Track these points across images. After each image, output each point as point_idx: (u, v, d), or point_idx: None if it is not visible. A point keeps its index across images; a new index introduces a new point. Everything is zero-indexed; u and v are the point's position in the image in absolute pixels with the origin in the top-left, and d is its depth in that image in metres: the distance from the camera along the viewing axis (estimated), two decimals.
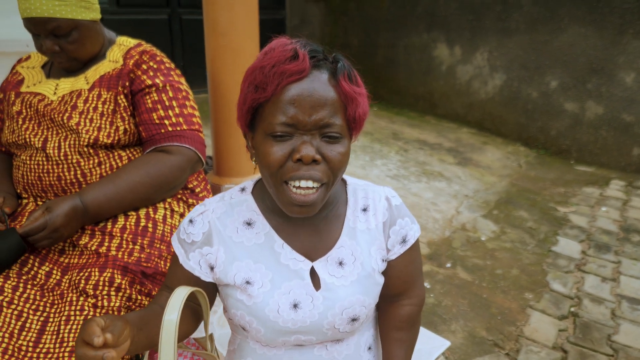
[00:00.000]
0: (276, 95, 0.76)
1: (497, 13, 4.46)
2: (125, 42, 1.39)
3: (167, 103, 1.29)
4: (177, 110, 1.30)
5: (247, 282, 0.87)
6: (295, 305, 0.86)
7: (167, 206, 1.33)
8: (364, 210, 0.94)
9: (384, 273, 0.97)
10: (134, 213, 1.27)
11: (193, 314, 0.96)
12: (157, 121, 1.28)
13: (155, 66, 1.31)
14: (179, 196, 1.38)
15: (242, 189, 0.95)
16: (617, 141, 4.02)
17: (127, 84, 1.28)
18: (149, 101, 1.28)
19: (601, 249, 2.78)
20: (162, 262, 1.23)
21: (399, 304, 1.01)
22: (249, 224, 0.90)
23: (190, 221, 0.90)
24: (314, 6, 6.14)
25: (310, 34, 6.24)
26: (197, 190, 1.45)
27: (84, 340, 0.65)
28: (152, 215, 1.28)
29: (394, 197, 0.97)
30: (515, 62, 4.45)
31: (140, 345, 0.80)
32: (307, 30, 6.27)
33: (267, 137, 0.78)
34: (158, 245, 1.24)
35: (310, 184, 0.78)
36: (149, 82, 1.28)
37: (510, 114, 4.61)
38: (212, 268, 0.90)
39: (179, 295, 0.79)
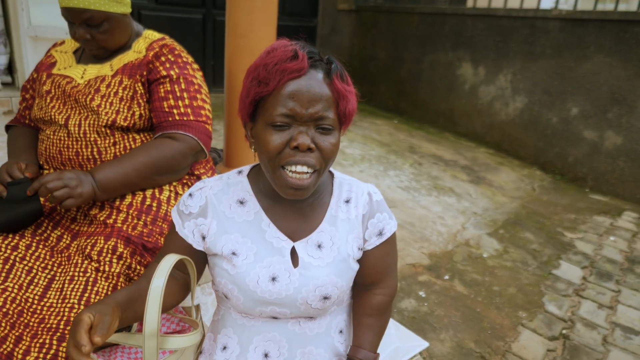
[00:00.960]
0: (277, 90, 0.87)
1: (524, 36, 4.49)
2: (150, 35, 1.52)
3: (178, 94, 1.41)
4: (187, 101, 1.42)
5: (233, 253, 0.97)
6: (273, 279, 0.96)
7: (172, 189, 1.44)
8: (347, 201, 1.05)
9: (359, 262, 1.06)
10: (141, 193, 1.38)
11: (182, 284, 1.06)
12: (166, 109, 1.39)
13: (172, 59, 1.43)
14: (185, 181, 1.49)
15: (239, 172, 1.06)
16: (634, 173, 3.98)
17: (144, 73, 1.40)
18: (162, 90, 1.40)
19: (602, 277, 2.78)
20: (162, 239, 1.34)
21: (372, 292, 1.11)
22: (241, 202, 1.01)
23: (190, 195, 1.01)
24: (345, 17, 6.27)
25: (339, 43, 6.37)
26: (203, 177, 1.56)
27: (73, 343, 0.75)
28: (158, 196, 1.40)
29: (376, 194, 1.07)
30: (538, 86, 4.46)
31: (127, 321, 0.91)
32: (337, 39, 6.40)
33: (268, 127, 0.89)
34: (160, 224, 1.35)
35: (305, 169, 0.89)
36: (164, 73, 1.41)
37: (529, 137, 4.62)
38: (203, 238, 1.00)
39: (167, 262, 0.88)
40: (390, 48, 5.69)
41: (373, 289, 1.11)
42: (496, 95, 4.80)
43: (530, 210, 3.69)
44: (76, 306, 1.11)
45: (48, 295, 1.15)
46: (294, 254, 0.99)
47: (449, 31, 5.09)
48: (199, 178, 1.54)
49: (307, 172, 0.89)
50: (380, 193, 1.09)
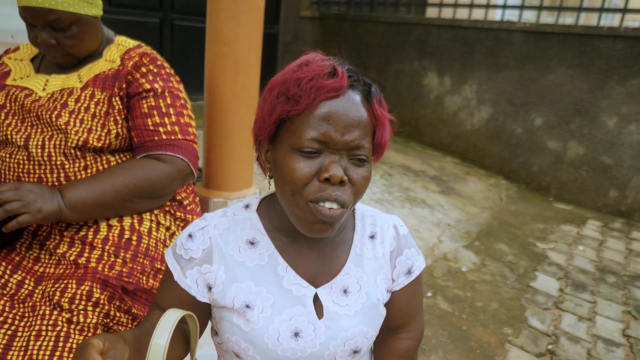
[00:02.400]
0: (310, 110, 0.74)
1: (489, 47, 4.55)
2: (124, 42, 1.33)
3: (164, 110, 1.23)
4: (173, 118, 1.24)
5: (247, 306, 0.82)
6: (296, 334, 0.82)
7: (153, 218, 1.26)
8: (372, 237, 0.92)
9: (385, 304, 0.93)
10: (117, 224, 1.19)
11: (183, 339, 0.90)
12: (151, 127, 1.22)
13: (155, 70, 1.26)
14: (167, 208, 1.31)
15: (247, 206, 0.91)
16: (595, 182, 4.10)
17: (123, 85, 1.22)
18: (145, 106, 1.22)
19: (578, 288, 2.80)
20: (144, 278, 1.15)
21: (397, 337, 0.98)
22: (252, 243, 0.85)
23: (190, 236, 0.84)
24: (308, 24, 6.17)
25: (301, 51, 6.23)
26: (185, 202, 1.39)
27: None
28: (137, 228, 1.21)
29: (402, 227, 0.95)
30: (502, 96, 4.53)
31: None
32: (299, 47, 6.28)
33: (294, 152, 0.75)
34: (141, 260, 1.17)
35: (335, 206, 0.75)
36: (148, 86, 1.23)
37: (494, 147, 4.68)
38: (209, 288, 0.84)
39: (170, 319, 0.73)
40: (355, 57, 5.64)
41: (399, 333, 0.98)
42: (462, 106, 4.84)
43: (500, 220, 3.71)
44: None
45: (9, 357, 0.95)
46: (316, 302, 0.85)
47: (415, 41, 5.09)
48: (181, 204, 1.36)
49: (338, 210, 0.75)
50: (405, 226, 0.97)
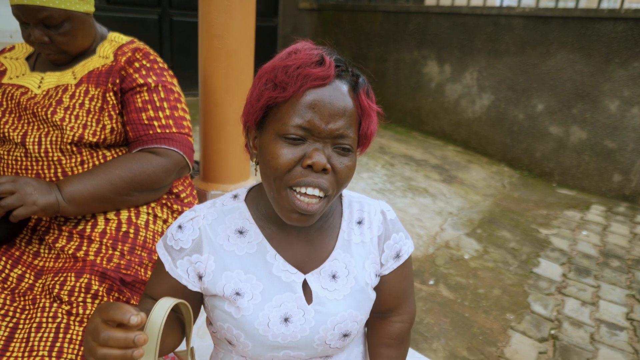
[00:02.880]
0: (296, 97, 0.74)
1: (488, 34, 4.52)
2: (117, 38, 1.34)
3: (157, 104, 1.24)
4: (167, 112, 1.25)
5: (237, 294, 0.83)
6: (286, 319, 0.83)
7: (150, 211, 1.27)
8: (359, 223, 0.93)
9: (375, 288, 0.95)
10: (115, 217, 1.21)
11: (180, 327, 0.91)
12: (145, 122, 1.23)
13: (148, 65, 1.27)
14: (163, 201, 1.33)
15: (235, 196, 0.92)
16: (599, 167, 4.08)
17: (117, 81, 1.23)
18: (139, 100, 1.23)
19: (581, 273, 2.80)
20: (142, 270, 1.17)
21: (389, 320, 0.99)
22: (240, 232, 0.87)
23: (179, 227, 0.86)
24: (307, 16, 6.15)
25: None
26: (182, 195, 1.40)
27: (108, 321, 0.60)
28: (134, 221, 1.23)
29: (389, 211, 0.96)
30: (503, 83, 4.50)
31: None
32: (299, 39, 6.25)
33: (278, 138, 0.76)
34: (139, 252, 1.19)
35: (316, 192, 0.76)
36: (141, 80, 1.24)
37: (496, 134, 4.66)
38: (200, 277, 0.85)
39: (162, 307, 0.74)
40: (354, 47, 5.62)
41: (390, 317, 0.99)
42: (462, 93, 4.82)
43: (503, 207, 3.70)
44: (46, 359, 0.94)
45: (11, 349, 0.97)
46: (305, 288, 0.86)
47: (414, 29, 5.06)
48: (178, 197, 1.38)
49: (318, 197, 0.77)
50: (393, 211, 0.98)
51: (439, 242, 3.03)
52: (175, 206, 1.34)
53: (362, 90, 0.79)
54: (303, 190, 0.75)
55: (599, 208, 3.84)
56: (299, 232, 0.88)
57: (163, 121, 1.24)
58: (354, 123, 0.78)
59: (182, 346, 0.98)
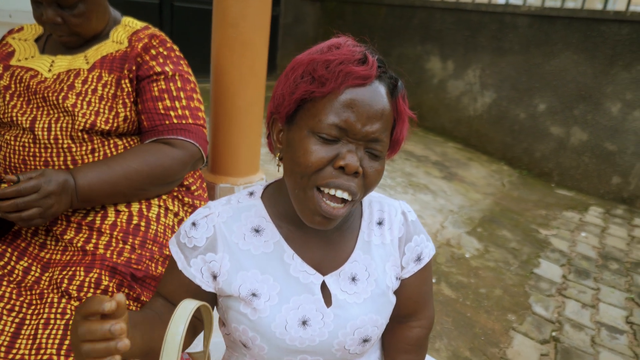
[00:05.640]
0: (334, 94, 0.71)
1: (493, 31, 4.49)
2: (132, 23, 1.29)
3: (174, 93, 1.20)
4: (184, 102, 1.21)
5: (253, 294, 0.80)
6: (304, 322, 0.80)
7: (161, 204, 1.23)
8: (379, 223, 0.90)
9: (395, 292, 0.91)
10: (125, 209, 1.16)
11: (192, 329, 0.88)
12: (162, 111, 1.18)
13: (165, 53, 1.22)
14: (175, 194, 1.28)
15: (251, 193, 0.89)
16: (598, 168, 4.09)
17: (133, 68, 1.18)
18: (155, 89, 1.18)
19: (581, 275, 2.80)
20: (153, 265, 1.13)
21: (407, 325, 0.96)
22: (257, 230, 0.83)
23: (193, 224, 0.82)
24: (309, 6, 6.07)
25: (303, 33, 6.16)
26: (193, 188, 1.36)
27: (88, 316, 0.57)
28: (145, 213, 1.18)
29: (410, 212, 0.93)
30: (506, 81, 4.48)
31: (133, 347, 0.71)
32: (301, 29, 6.19)
33: (311, 135, 0.73)
34: (150, 247, 1.14)
35: (345, 195, 0.73)
36: (158, 69, 1.19)
37: (496, 132, 4.65)
38: (215, 277, 0.82)
39: (186, 309, 0.71)
40: (357, 40, 5.57)
41: (409, 322, 0.96)
42: (464, 91, 4.79)
43: (503, 206, 3.70)
44: (55, 357, 0.90)
45: (17, 345, 0.92)
46: (324, 290, 0.83)
47: (418, 24, 5.02)
48: (189, 189, 1.33)
49: (345, 200, 0.74)
50: (413, 211, 0.95)
51: (440, 239, 3.01)
52: (186, 199, 1.30)
53: (400, 95, 0.77)
54: (332, 192, 0.73)
55: (597, 210, 3.85)
56: (317, 232, 0.85)
57: (180, 111, 1.19)
58: (388, 127, 0.76)
59: (196, 347, 0.95)
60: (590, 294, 2.61)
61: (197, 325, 0.89)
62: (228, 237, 0.82)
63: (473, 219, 3.38)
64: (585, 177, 4.17)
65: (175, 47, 1.27)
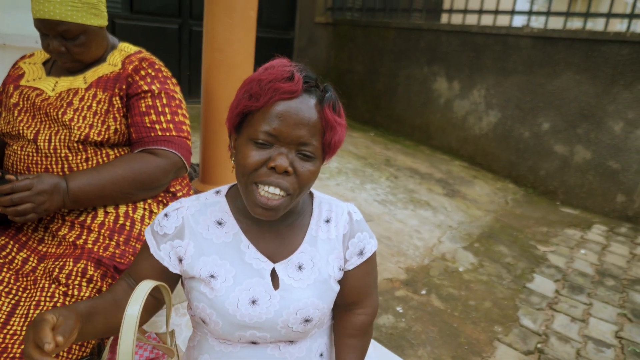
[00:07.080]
0: (266, 107, 0.86)
1: (497, 53, 4.59)
2: (127, 48, 1.48)
3: (160, 109, 1.37)
4: (168, 116, 1.38)
5: (212, 276, 0.94)
6: (253, 301, 0.93)
7: (146, 207, 1.39)
8: (327, 221, 1.03)
9: (340, 282, 1.04)
10: (113, 211, 1.33)
11: (149, 306, 1.02)
12: (148, 124, 1.36)
13: (153, 73, 1.40)
14: (160, 199, 1.44)
15: (217, 192, 1.04)
16: (603, 187, 4.10)
17: (124, 87, 1.36)
18: (143, 105, 1.36)
19: (574, 290, 2.83)
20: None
21: (353, 312, 1.09)
22: (219, 223, 0.98)
23: (166, 215, 0.98)
24: (322, 30, 6.30)
25: (316, 56, 6.39)
26: (179, 195, 1.52)
27: (34, 341, 0.72)
28: (131, 215, 1.35)
29: (356, 213, 1.07)
30: (510, 101, 4.57)
31: (86, 335, 0.88)
32: (314, 52, 6.42)
33: (250, 142, 0.88)
34: (133, 244, 1.31)
35: (277, 191, 0.87)
36: (146, 87, 1.37)
37: (502, 151, 4.71)
38: (180, 260, 0.97)
39: (143, 289, 0.85)
40: (367, 62, 5.75)
41: (354, 309, 1.09)
42: (470, 110, 4.89)
43: (503, 223, 3.74)
44: None
45: (12, 322, 1.09)
46: (274, 276, 0.97)
47: (424, 46, 5.17)
48: (175, 195, 1.50)
49: (279, 195, 0.88)
50: (360, 212, 1.08)
51: (435, 253, 3.09)
52: (170, 204, 1.46)
53: (327, 105, 0.89)
54: (266, 188, 0.87)
55: (601, 228, 3.85)
56: (270, 226, 0.99)
57: (164, 125, 1.37)
58: (317, 133, 0.89)
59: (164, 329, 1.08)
60: (581, 309, 2.64)
61: (154, 302, 1.04)
62: (194, 227, 0.97)
63: (471, 234, 3.45)
64: (590, 195, 4.19)
65: (163, 68, 1.45)
